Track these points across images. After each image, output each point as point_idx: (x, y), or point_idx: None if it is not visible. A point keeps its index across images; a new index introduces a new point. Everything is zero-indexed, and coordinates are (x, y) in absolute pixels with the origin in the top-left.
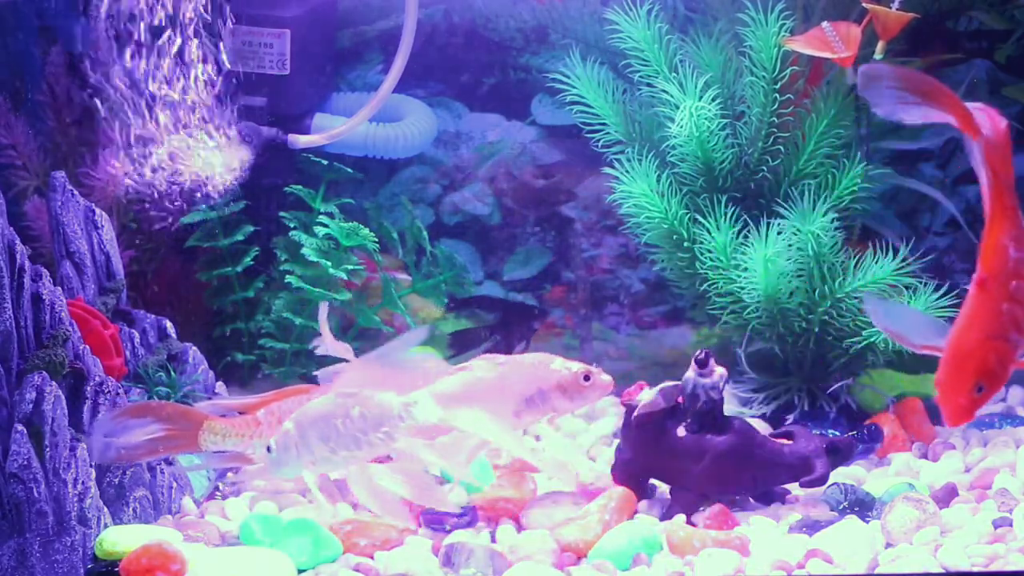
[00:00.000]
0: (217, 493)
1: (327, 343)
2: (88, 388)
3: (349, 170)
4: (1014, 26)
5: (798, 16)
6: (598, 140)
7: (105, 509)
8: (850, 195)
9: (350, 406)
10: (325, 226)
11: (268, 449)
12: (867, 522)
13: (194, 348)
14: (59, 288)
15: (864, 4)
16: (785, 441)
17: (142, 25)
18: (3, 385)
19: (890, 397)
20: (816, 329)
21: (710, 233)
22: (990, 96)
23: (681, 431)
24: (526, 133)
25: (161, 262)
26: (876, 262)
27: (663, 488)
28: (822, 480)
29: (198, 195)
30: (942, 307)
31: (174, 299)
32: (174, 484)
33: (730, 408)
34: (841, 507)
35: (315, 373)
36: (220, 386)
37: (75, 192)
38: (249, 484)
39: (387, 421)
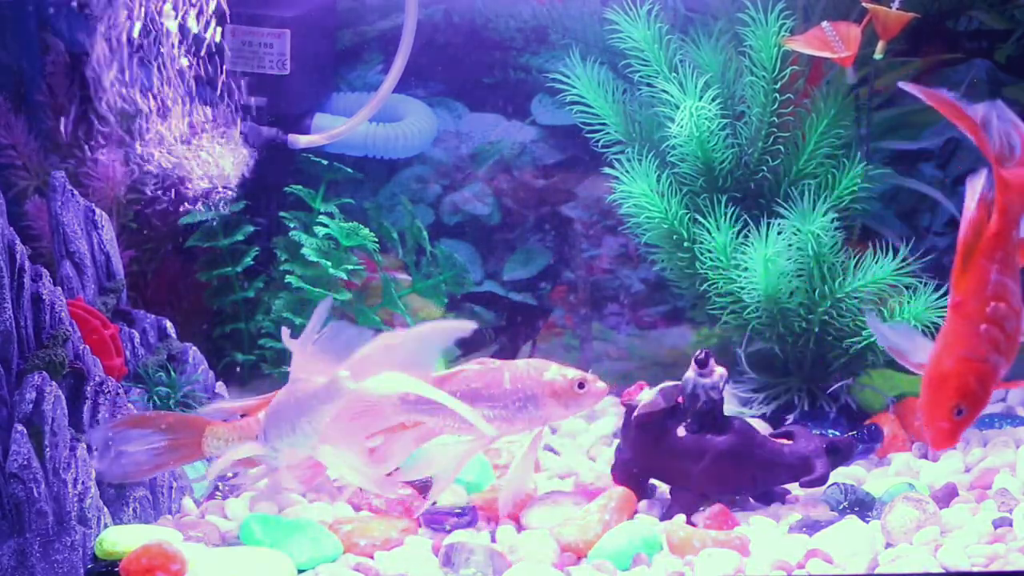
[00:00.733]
0: (217, 493)
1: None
2: (88, 388)
3: (349, 170)
4: (1014, 26)
5: (798, 16)
6: (598, 140)
7: (105, 509)
8: (850, 195)
9: (295, 391)
10: (325, 226)
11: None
12: (867, 522)
13: (194, 348)
14: (59, 288)
15: (864, 4)
16: (785, 441)
17: (139, 25)
18: (3, 385)
19: (890, 397)
20: (816, 329)
21: (710, 233)
22: (990, 96)
23: (681, 431)
24: (526, 133)
25: (161, 262)
26: (876, 262)
27: (663, 488)
28: (822, 480)
29: (201, 196)
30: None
31: (174, 299)
32: (174, 484)
33: (730, 408)
34: (841, 507)
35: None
36: (220, 386)
37: (75, 192)
38: (251, 484)
39: (315, 402)
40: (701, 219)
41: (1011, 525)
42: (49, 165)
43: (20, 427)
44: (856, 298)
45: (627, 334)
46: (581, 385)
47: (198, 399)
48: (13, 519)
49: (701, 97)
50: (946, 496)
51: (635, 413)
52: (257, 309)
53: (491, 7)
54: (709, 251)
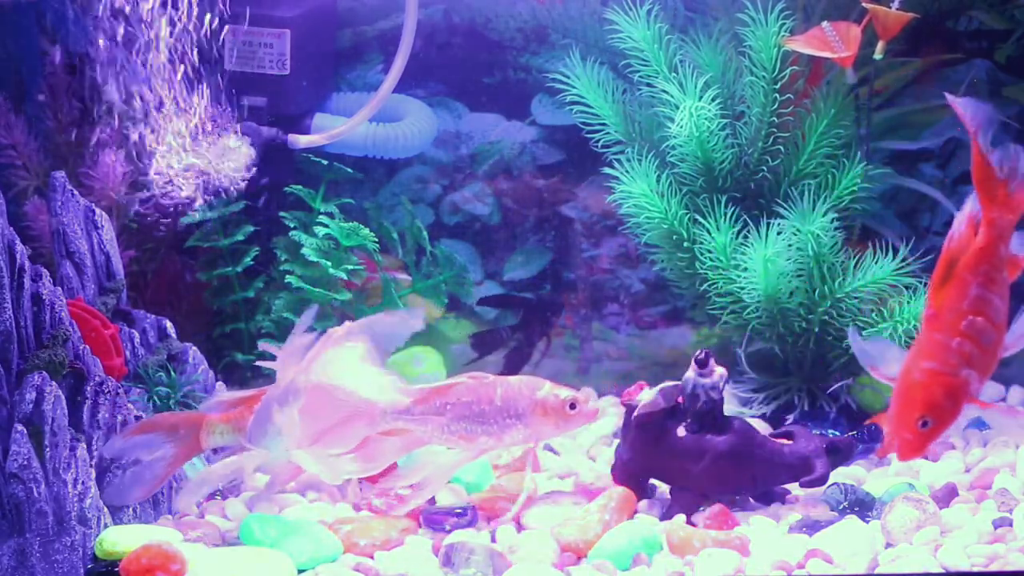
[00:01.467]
0: (217, 493)
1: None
2: (88, 388)
3: (349, 170)
4: (1014, 26)
5: (798, 16)
6: (598, 140)
7: (105, 509)
8: (850, 195)
9: (272, 391)
10: (325, 226)
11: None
12: (867, 522)
13: (194, 348)
14: (59, 288)
15: (864, 4)
16: (785, 441)
17: (141, 24)
18: (3, 385)
19: (890, 397)
20: (816, 329)
21: (710, 233)
22: (990, 96)
23: (681, 431)
24: (526, 133)
25: (161, 262)
26: (876, 262)
27: (663, 488)
28: (822, 480)
29: (203, 196)
30: None
31: (174, 299)
32: (174, 484)
33: (730, 408)
34: (841, 507)
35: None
36: (220, 386)
37: (75, 192)
38: (250, 476)
39: (279, 403)
40: (701, 219)
41: (1011, 525)
42: (49, 166)
43: (20, 427)
44: (856, 298)
45: (627, 334)
46: (573, 406)
47: (198, 399)
48: (13, 519)
49: (701, 97)
50: (946, 496)
51: (635, 413)
52: (257, 309)
53: (491, 7)
54: (709, 251)
